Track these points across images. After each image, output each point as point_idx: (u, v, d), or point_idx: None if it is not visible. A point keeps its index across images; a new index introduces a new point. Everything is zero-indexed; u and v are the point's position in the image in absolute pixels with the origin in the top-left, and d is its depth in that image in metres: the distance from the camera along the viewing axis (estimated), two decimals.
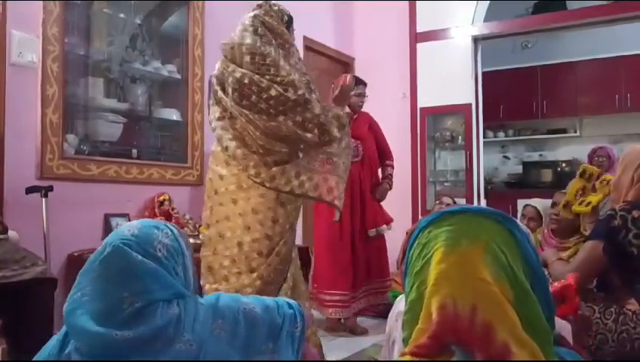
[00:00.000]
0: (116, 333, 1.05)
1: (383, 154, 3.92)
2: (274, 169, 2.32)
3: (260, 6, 2.54)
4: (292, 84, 2.36)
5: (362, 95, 3.79)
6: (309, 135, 2.35)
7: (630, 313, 1.95)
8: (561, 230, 2.68)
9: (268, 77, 2.40)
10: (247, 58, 2.44)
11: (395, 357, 1.66)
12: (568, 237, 2.65)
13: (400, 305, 1.73)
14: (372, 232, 3.72)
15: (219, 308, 1.19)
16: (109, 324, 1.06)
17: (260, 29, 2.45)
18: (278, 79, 2.38)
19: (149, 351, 1.06)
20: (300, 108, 2.35)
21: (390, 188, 3.88)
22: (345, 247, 3.63)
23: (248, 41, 2.45)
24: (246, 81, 2.43)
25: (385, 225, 3.80)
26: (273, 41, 2.43)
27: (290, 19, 2.59)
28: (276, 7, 2.54)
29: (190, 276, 1.22)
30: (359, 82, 3.87)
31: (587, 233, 2.58)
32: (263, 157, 2.34)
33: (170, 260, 1.16)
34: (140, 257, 1.11)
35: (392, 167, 3.93)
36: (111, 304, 1.08)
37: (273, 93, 2.34)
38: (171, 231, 1.20)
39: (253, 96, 2.39)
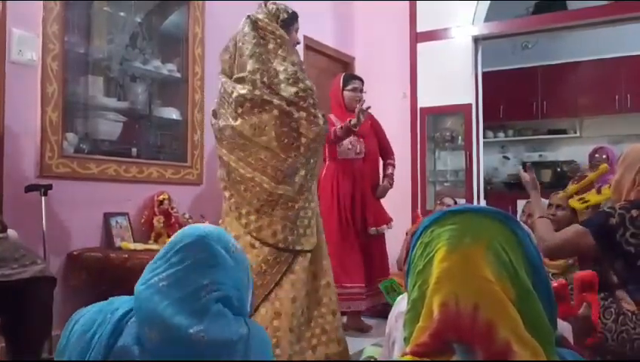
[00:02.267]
0: (191, 330, 1.05)
1: (385, 153, 3.93)
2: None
3: (259, 6, 2.57)
4: (251, 82, 2.41)
5: (356, 90, 3.77)
6: (264, 138, 2.38)
7: (630, 313, 1.95)
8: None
9: (235, 78, 2.49)
10: (226, 65, 2.58)
11: (395, 357, 1.66)
12: None
13: (400, 305, 1.72)
14: (373, 231, 3.73)
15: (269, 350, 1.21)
16: (184, 311, 1.06)
17: (247, 27, 2.50)
18: (242, 75, 2.45)
19: (215, 357, 1.06)
20: (258, 109, 2.39)
21: (391, 187, 3.88)
22: (351, 243, 3.64)
23: (232, 43, 2.54)
24: (220, 88, 2.56)
25: (385, 225, 3.80)
26: (262, 40, 2.47)
27: (291, 17, 2.60)
28: (273, 6, 2.56)
29: (250, 286, 1.24)
30: (354, 77, 3.88)
31: None
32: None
33: (241, 264, 1.19)
34: (222, 251, 1.15)
35: (394, 165, 3.94)
36: (190, 289, 1.09)
37: (234, 94, 2.44)
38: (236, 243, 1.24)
39: (226, 104, 2.51)
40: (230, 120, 2.46)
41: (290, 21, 2.60)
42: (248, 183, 2.41)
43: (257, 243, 2.40)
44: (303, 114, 2.40)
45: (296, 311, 2.38)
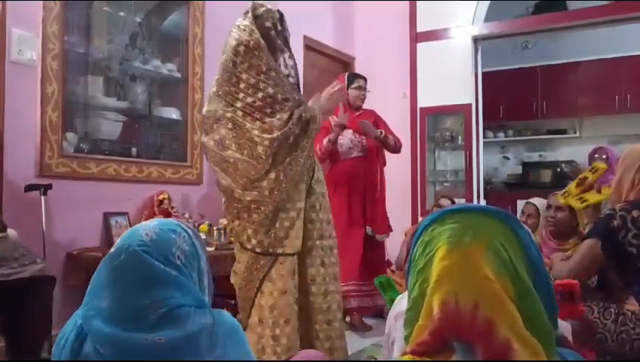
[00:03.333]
0: (146, 338, 1.00)
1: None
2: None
3: (246, 13, 2.52)
4: (209, 97, 2.47)
5: (361, 88, 3.80)
6: (229, 152, 2.39)
7: (630, 313, 1.95)
8: (559, 232, 2.67)
9: None
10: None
11: (395, 357, 1.66)
12: (567, 239, 2.64)
13: (400, 305, 1.72)
14: (379, 238, 3.73)
15: (242, 338, 1.17)
16: (136, 330, 1.01)
17: (229, 37, 2.47)
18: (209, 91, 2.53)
19: (179, 356, 1.01)
20: (216, 124, 2.44)
21: (380, 135, 3.74)
22: (352, 242, 3.64)
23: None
24: None
25: (385, 234, 3.79)
26: (240, 46, 2.42)
27: (278, 20, 2.52)
28: (261, 9, 2.48)
29: (206, 280, 1.18)
30: (357, 76, 3.90)
31: (585, 234, 2.58)
32: None
33: (187, 266, 1.12)
34: (160, 266, 1.07)
35: (395, 141, 3.83)
36: (134, 311, 1.03)
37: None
38: (187, 234, 1.16)
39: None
40: (204, 136, 2.52)
41: (276, 25, 2.54)
42: (227, 191, 2.44)
43: (240, 248, 2.41)
44: (258, 124, 2.35)
45: (277, 320, 2.33)
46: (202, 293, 1.13)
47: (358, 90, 3.78)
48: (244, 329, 2.35)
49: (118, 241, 1.14)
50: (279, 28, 2.52)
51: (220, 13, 3.92)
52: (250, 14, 2.47)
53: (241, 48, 2.40)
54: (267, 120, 2.36)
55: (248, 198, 2.37)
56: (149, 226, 1.13)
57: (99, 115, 3.34)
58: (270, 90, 2.38)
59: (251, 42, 2.40)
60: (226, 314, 1.17)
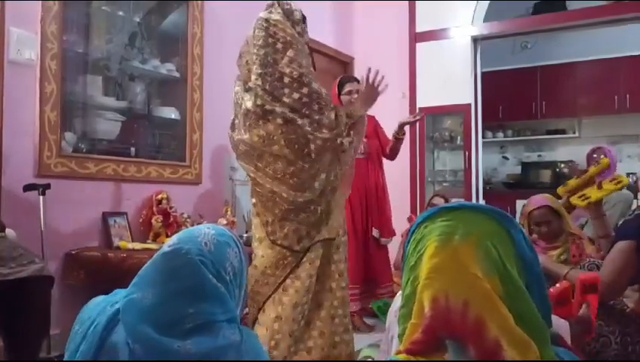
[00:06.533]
0: (178, 345, 1.03)
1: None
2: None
3: (271, 5, 2.50)
4: (254, 91, 2.35)
5: (351, 92, 3.68)
6: (275, 147, 2.33)
7: (634, 315, 1.93)
8: (547, 234, 2.65)
9: (246, 87, 2.43)
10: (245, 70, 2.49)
11: (394, 352, 1.66)
12: (557, 238, 2.61)
13: (400, 300, 1.72)
14: (384, 241, 3.71)
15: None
16: (169, 334, 1.04)
17: (257, 30, 2.40)
18: (250, 85, 2.39)
19: None
20: (262, 120, 2.34)
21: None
22: (354, 245, 3.60)
23: (245, 49, 2.46)
24: (234, 97, 2.49)
25: (389, 238, 3.78)
26: (270, 39, 2.36)
27: (304, 18, 2.54)
28: (287, 6, 2.48)
29: (242, 294, 1.21)
30: (347, 80, 3.80)
31: (572, 230, 2.54)
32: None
33: (234, 283, 1.15)
34: (213, 280, 1.10)
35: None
36: (174, 316, 1.06)
37: (243, 107, 2.38)
38: (238, 248, 1.20)
39: (239, 115, 2.44)
40: (242, 132, 2.41)
41: (304, 22, 2.55)
42: (268, 194, 2.37)
43: (274, 246, 2.38)
44: (306, 120, 2.32)
45: (297, 317, 2.35)
46: (237, 309, 1.16)
47: (349, 94, 3.67)
48: (253, 323, 2.37)
49: (174, 240, 1.15)
50: (302, 26, 2.51)
51: (220, 13, 3.92)
52: (278, 9, 2.44)
53: (280, 45, 2.36)
54: (316, 117, 2.34)
55: (300, 200, 2.34)
56: (208, 235, 1.16)
57: (97, 115, 3.34)
58: (314, 86, 2.36)
59: (288, 38, 2.37)
60: (253, 334, 1.20)
